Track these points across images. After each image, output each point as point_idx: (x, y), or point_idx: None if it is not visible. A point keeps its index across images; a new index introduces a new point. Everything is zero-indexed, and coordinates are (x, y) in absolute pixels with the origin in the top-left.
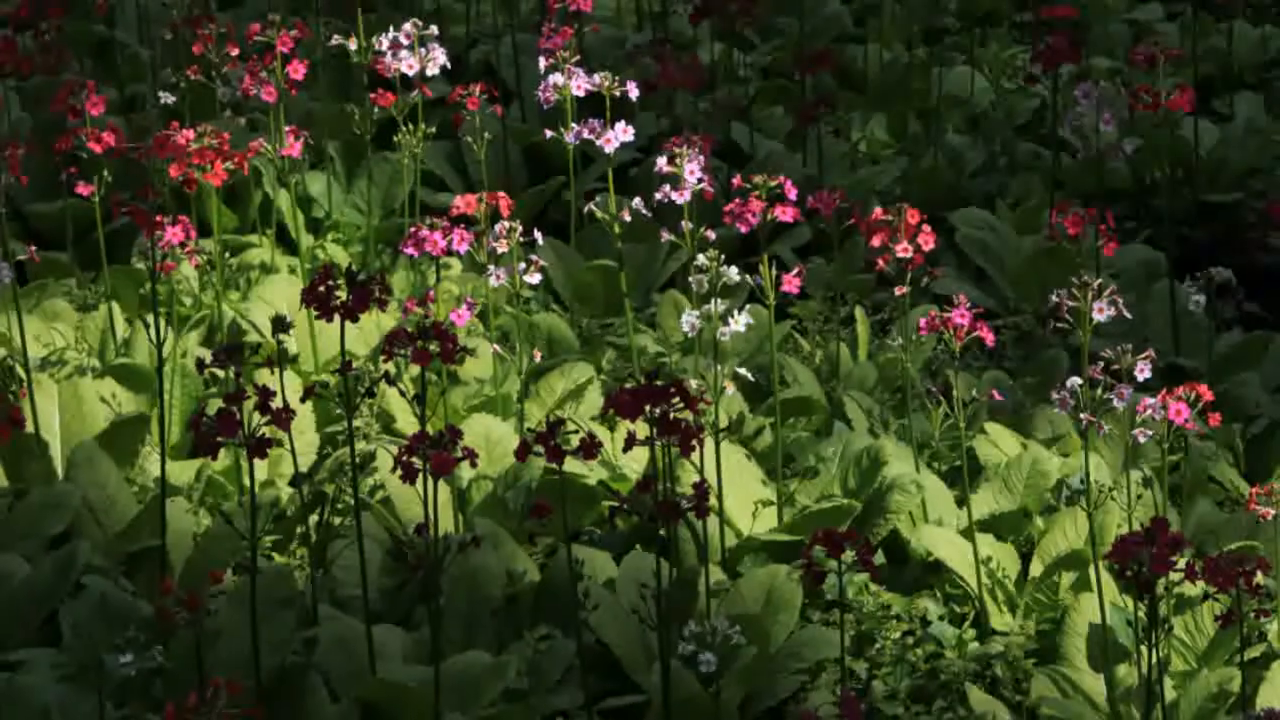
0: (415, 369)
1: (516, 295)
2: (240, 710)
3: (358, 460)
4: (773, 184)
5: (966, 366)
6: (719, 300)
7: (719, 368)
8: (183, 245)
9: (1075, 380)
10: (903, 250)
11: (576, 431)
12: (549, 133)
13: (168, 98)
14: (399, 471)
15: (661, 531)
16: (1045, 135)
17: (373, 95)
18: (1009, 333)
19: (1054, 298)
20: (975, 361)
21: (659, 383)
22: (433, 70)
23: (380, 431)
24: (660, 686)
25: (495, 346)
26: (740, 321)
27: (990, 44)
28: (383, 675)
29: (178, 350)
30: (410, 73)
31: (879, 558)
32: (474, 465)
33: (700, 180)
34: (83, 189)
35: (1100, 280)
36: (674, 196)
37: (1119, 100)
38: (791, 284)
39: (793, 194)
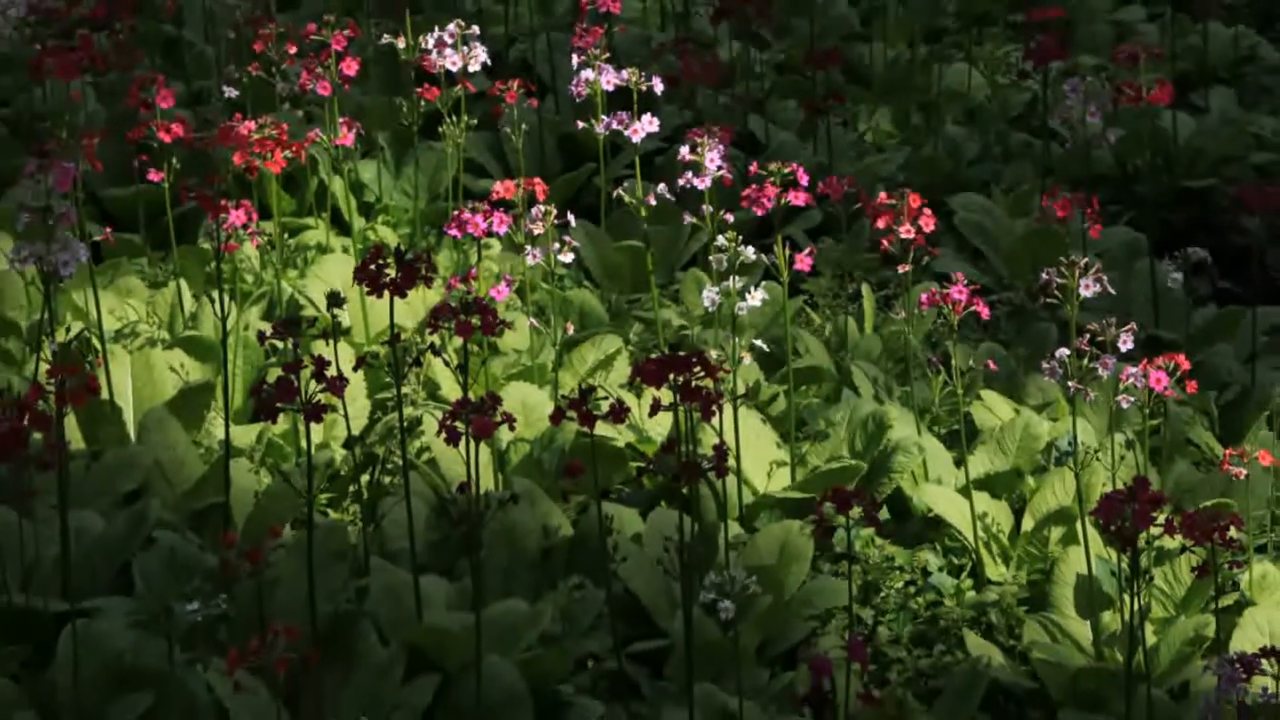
0: (458, 341)
1: (551, 273)
2: (298, 653)
3: (406, 424)
4: (786, 171)
5: (964, 338)
6: (737, 277)
7: (737, 339)
8: (245, 227)
9: (1064, 351)
10: (905, 232)
11: (606, 398)
12: (581, 124)
13: (231, 92)
14: (443, 435)
15: (684, 490)
16: (1036, 126)
17: (419, 89)
18: (1003, 307)
19: (1044, 275)
20: (972, 334)
21: (682, 353)
22: (474, 67)
23: (426, 398)
24: (683, 632)
25: (532, 320)
26: (756, 297)
27: (986, 43)
28: (429, 621)
29: (240, 323)
30: (454, 69)
31: (884, 514)
32: (512, 429)
33: (720, 168)
34: (153, 175)
35: (1087, 259)
36: (696, 182)
37: (1104, 94)
38: (803, 263)
39: (804, 180)
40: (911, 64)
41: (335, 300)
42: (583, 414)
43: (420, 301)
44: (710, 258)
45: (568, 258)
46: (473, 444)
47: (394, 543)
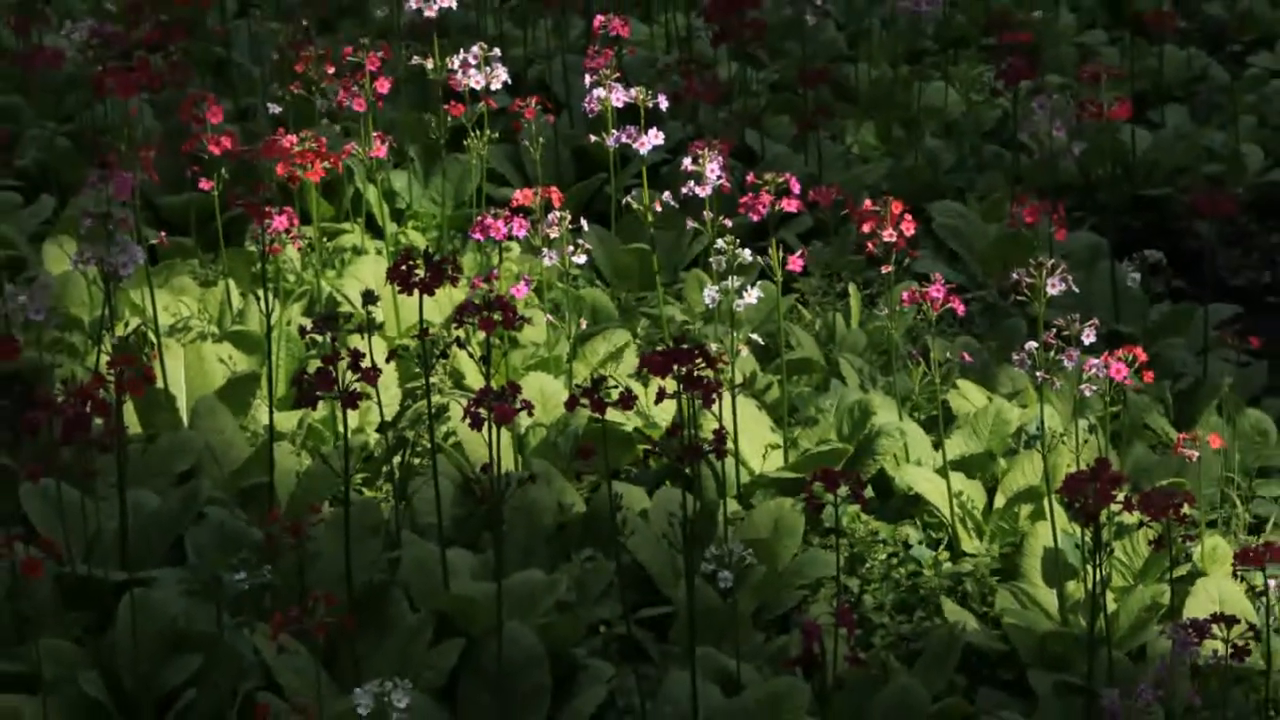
0: (482, 335)
1: (566, 273)
2: (335, 619)
3: (433, 411)
4: (780, 180)
5: (941, 333)
6: (735, 277)
7: (735, 334)
8: (287, 231)
9: (1032, 344)
10: (888, 235)
11: (616, 387)
12: (593, 137)
13: (275, 108)
14: (468, 420)
15: (687, 470)
16: (1007, 139)
17: (446, 106)
18: (977, 304)
19: (1014, 275)
20: (949, 328)
21: (684, 346)
22: (496, 85)
23: (452, 387)
24: (686, 599)
25: (548, 316)
26: (752, 295)
27: (961, 64)
28: (455, 590)
29: (283, 319)
30: (477, 87)
31: (868, 492)
32: (531, 415)
33: (719, 177)
34: (204, 184)
35: (1053, 260)
36: (697, 191)
37: (1068, 110)
38: (795, 264)
39: (796, 189)
40: (894, 83)
41: (369, 298)
42: (595, 401)
43: (447, 299)
44: (710, 259)
45: (581, 259)
46: (495, 429)
47: (423, 518)
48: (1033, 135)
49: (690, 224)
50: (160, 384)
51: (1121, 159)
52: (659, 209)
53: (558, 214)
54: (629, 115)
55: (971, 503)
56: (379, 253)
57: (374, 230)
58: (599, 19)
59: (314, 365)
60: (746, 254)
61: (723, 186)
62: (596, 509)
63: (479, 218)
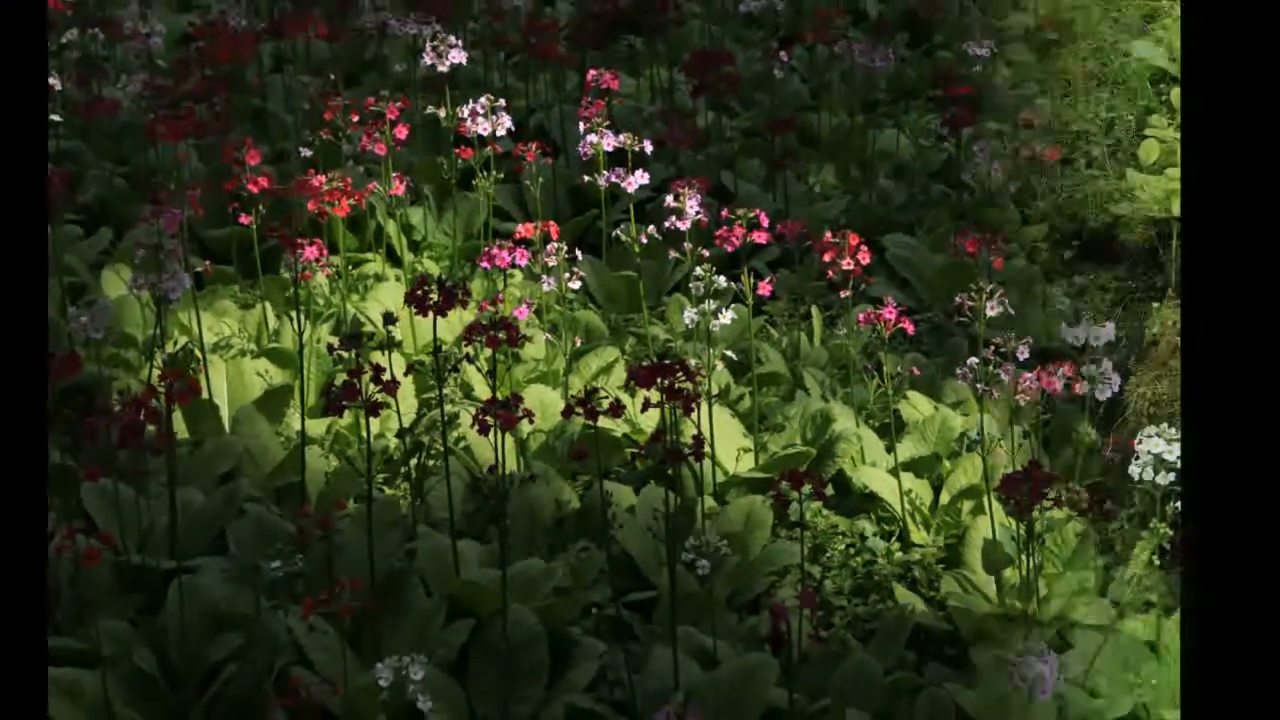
0: (488, 351)
1: (563, 297)
2: (359, 602)
3: (446, 418)
4: (751, 215)
5: (893, 350)
6: (711, 301)
7: (711, 351)
8: (317, 260)
9: (973, 359)
10: (847, 264)
11: (606, 397)
12: (586, 177)
13: (306, 152)
14: (476, 426)
15: (669, 471)
16: (952, 179)
17: (457, 150)
18: (925, 325)
19: (958, 299)
20: (900, 346)
21: (667, 362)
22: (501, 132)
23: (462, 397)
24: (668, 585)
25: (547, 335)
26: (727, 317)
27: (911, 113)
28: (465, 577)
29: (314, 338)
30: (485, 134)
31: (829, 490)
32: (531, 422)
33: (698, 213)
34: (244, 219)
35: (992, 286)
36: (678, 224)
37: (1005, 154)
38: (765, 289)
39: (765, 223)
40: (851, 130)
41: (389, 319)
42: (588, 410)
43: (458, 320)
44: (690, 285)
45: (576, 285)
46: (500, 434)
47: (436, 514)
48: (974, 175)
49: (672, 254)
50: (205, 395)
51: (1051, 197)
52: (645, 240)
53: (555, 245)
54: (618, 158)
55: (920, 499)
56: (398, 279)
57: (393, 259)
58: (592, 73)
59: (340, 378)
60: (721, 280)
61: (701, 221)
62: (590, 505)
63: (486, 248)
